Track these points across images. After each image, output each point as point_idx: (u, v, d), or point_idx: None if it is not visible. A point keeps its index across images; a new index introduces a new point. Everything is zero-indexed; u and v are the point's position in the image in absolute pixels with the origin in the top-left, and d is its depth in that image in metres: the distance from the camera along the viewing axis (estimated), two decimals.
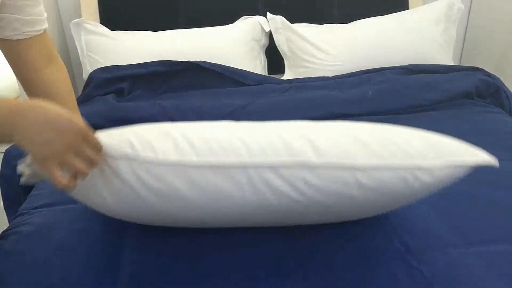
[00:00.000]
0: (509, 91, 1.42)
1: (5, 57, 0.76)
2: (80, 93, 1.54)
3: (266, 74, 1.69)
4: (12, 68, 0.78)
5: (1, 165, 1.18)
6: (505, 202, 0.88)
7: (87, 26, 1.58)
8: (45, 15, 0.76)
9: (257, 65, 1.65)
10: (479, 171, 1.00)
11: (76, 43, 1.59)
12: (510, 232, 0.80)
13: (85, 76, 1.56)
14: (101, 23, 1.67)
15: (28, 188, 1.10)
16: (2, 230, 0.88)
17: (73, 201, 0.92)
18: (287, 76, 1.66)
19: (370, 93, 1.36)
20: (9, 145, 1.21)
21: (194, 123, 0.73)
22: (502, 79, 1.46)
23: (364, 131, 0.69)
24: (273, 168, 0.63)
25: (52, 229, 0.84)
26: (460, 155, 0.68)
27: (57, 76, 0.81)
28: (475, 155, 0.69)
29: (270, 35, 1.71)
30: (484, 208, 0.86)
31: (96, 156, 0.62)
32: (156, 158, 0.64)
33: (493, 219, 0.83)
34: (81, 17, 1.64)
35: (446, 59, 1.69)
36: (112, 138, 0.66)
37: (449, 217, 0.82)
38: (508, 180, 0.97)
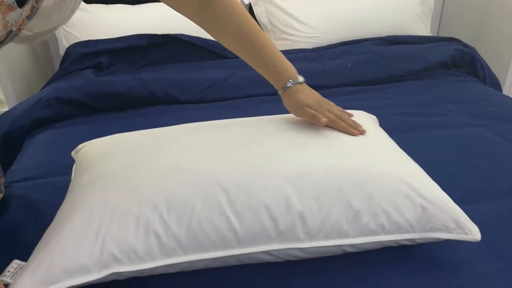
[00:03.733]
0: (484, 61, 1.46)
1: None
2: (57, 68, 1.51)
3: None
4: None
5: None
6: (479, 166, 0.92)
7: None
8: None
9: None
10: (454, 138, 1.04)
11: None
12: (484, 193, 0.83)
13: (62, 51, 1.53)
14: None
15: (5, 163, 1.09)
16: None
17: (50, 175, 0.94)
18: None
19: (349, 64, 1.38)
20: None
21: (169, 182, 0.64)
22: (477, 49, 1.49)
23: (355, 193, 0.63)
24: (264, 252, 0.63)
25: (30, 202, 0.85)
26: (448, 230, 0.64)
27: (211, 17, 0.80)
28: (461, 230, 0.64)
29: (250, 8, 1.69)
30: (460, 173, 0.89)
31: None
32: (144, 266, 0.60)
33: (468, 182, 0.86)
34: None
35: (424, 30, 1.71)
36: (90, 253, 0.58)
37: None
38: (481, 145, 1.01)
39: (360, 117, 0.87)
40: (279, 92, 0.83)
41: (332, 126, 0.76)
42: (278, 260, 0.65)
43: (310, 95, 0.81)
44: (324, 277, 0.64)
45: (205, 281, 0.64)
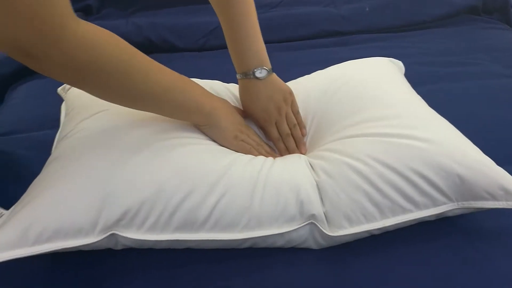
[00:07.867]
0: None
1: None
2: None
3: None
4: None
5: None
6: (509, 119, 0.82)
7: None
8: None
9: None
10: (486, 89, 0.93)
11: None
12: None
13: None
14: None
15: None
16: None
17: (35, 129, 0.85)
18: None
19: (367, 9, 1.24)
20: None
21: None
22: None
23: (382, 174, 0.54)
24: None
25: (13, 158, 0.78)
26: (495, 197, 0.55)
27: None
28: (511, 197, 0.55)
29: None
30: (496, 128, 0.80)
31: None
32: (151, 237, 0.52)
33: (506, 139, 0.76)
34: None
35: None
36: (88, 211, 0.51)
37: None
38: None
39: (382, 66, 0.76)
40: (238, 77, 0.70)
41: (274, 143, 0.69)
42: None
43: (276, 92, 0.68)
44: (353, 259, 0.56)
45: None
